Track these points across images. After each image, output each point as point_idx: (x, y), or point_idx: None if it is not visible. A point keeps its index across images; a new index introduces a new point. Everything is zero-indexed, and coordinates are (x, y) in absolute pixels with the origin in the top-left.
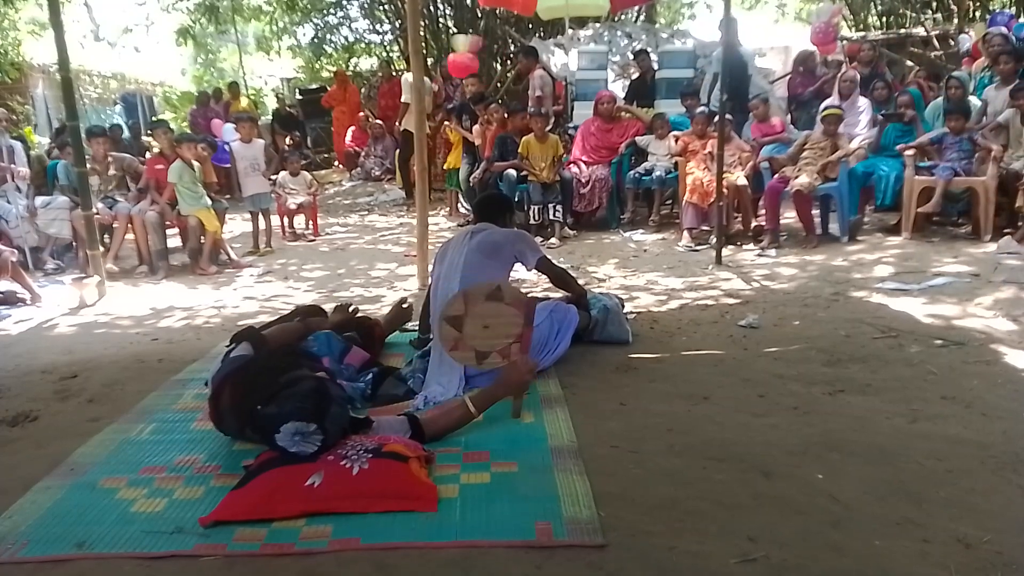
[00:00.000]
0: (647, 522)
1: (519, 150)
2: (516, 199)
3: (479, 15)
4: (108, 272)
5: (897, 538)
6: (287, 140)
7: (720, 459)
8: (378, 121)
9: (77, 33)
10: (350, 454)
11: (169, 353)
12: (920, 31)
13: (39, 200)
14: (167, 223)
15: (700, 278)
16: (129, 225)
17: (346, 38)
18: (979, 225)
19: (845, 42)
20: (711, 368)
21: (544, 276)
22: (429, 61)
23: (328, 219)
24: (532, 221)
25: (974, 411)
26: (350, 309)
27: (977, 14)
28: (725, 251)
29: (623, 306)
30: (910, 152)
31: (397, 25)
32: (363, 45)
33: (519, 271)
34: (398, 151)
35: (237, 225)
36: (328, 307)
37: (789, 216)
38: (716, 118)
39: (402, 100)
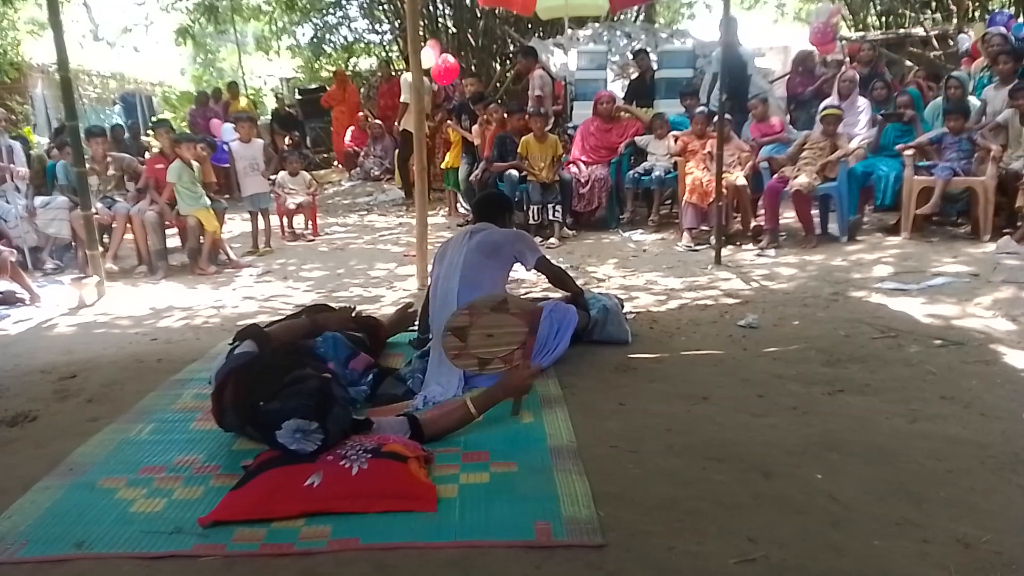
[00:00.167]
0: (646, 522)
1: (518, 150)
2: (516, 199)
3: (478, 15)
4: (107, 272)
5: (897, 538)
6: (286, 140)
7: (719, 459)
8: (377, 121)
9: (76, 33)
10: (349, 454)
11: (168, 353)
12: (919, 31)
13: (38, 200)
14: (166, 223)
15: (699, 278)
16: (128, 225)
17: (345, 38)
18: (978, 225)
19: (845, 42)
20: (710, 368)
21: (543, 276)
22: None
23: (327, 219)
24: (531, 221)
25: (973, 411)
26: (353, 313)
27: (976, 14)
28: (724, 251)
29: (622, 306)
30: (909, 152)
31: (396, 25)
32: (362, 45)
33: (518, 271)
34: (397, 151)
35: (236, 225)
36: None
37: (788, 216)
38: (715, 118)
39: (401, 100)
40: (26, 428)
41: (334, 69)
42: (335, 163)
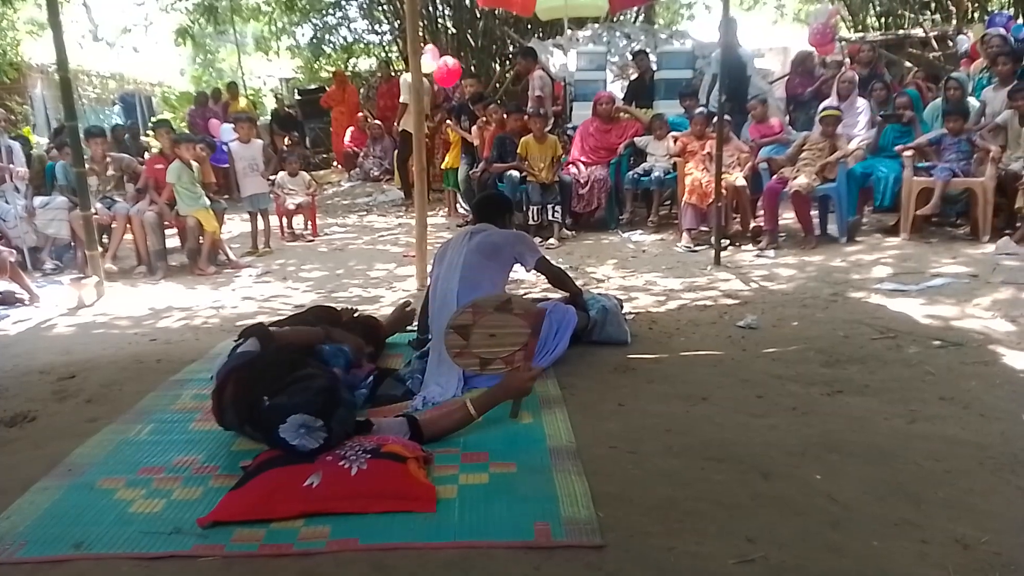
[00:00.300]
0: (646, 523)
1: (518, 151)
2: (516, 199)
3: (478, 15)
4: (106, 272)
5: (896, 539)
6: (285, 140)
7: (719, 460)
8: (377, 121)
9: (76, 33)
10: (348, 455)
11: (167, 353)
12: (919, 32)
13: (37, 200)
14: (166, 223)
15: (699, 279)
16: (128, 225)
17: (345, 38)
18: (977, 226)
19: (844, 43)
20: (710, 369)
21: (543, 277)
22: None
23: (327, 219)
24: (531, 222)
25: (972, 412)
26: (355, 314)
27: (975, 15)
28: (724, 252)
29: (622, 307)
30: (908, 153)
31: (396, 25)
32: (362, 45)
33: (518, 272)
34: (396, 151)
35: (236, 225)
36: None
37: (788, 217)
38: (715, 119)
39: (400, 100)
40: (25, 428)
41: (333, 70)
42: (334, 163)
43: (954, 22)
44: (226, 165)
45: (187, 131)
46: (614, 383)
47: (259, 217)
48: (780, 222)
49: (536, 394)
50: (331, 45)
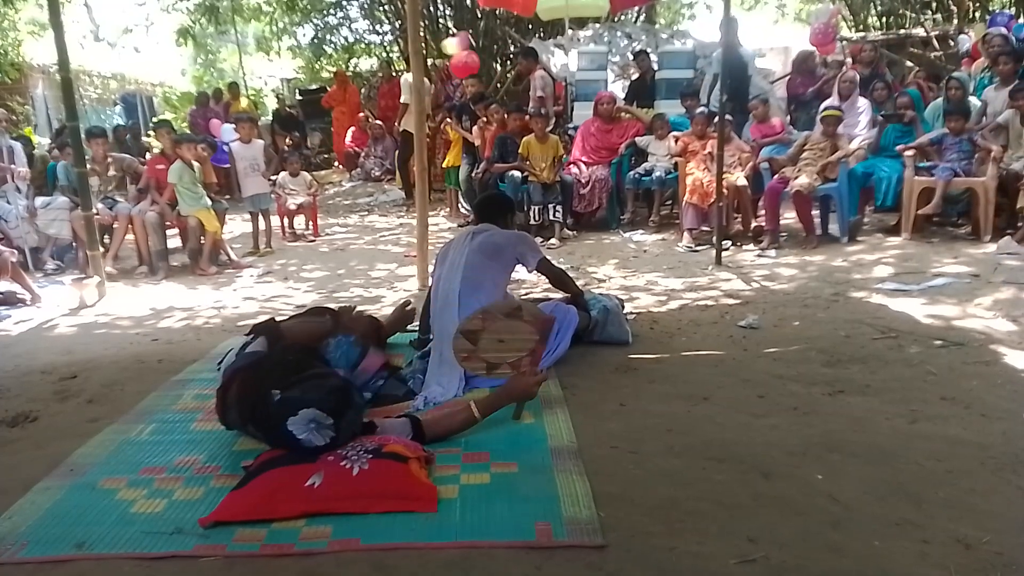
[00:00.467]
0: (647, 523)
1: (519, 151)
2: (518, 199)
3: (479, 15)
4: (108, 273)
5: (897, 539)
6: (287, 140)
7: (720, 460)
8: (378, 121)
9: (77, 33)
10: (350, 455)
11: (169, 353)
12: (920, 32)
13: (39, 200)
14: (167, 223)
15: (700, 279)
16: (129, 225)
17: (346, 38)
18: (979, 226)
19: (845, 43)
20: (711, 369)
21: (544, 277)
22: (429, 61)
23: (328, 219)
24: (532, 221)
25: (973, 412)
26: (354, 312)
27: (977, 15)
28: (725, 252)
29: (623, 307)
30: (910, 153)
31: (397, 25)
32: (363, 45)
33: (519, 271)
34: (397, 151)
35: (237, 225)
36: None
37: (789, 217)
38: (716, 119)
39: (401, 101)
40: (26, 429)
41: (335, 70)
42: (336, 163)
43: (955, 21)
44: (227, 165)
45: (188, 131)
46: (615, 383)
47: (260, 217)
48: (781, 222)
49: (537, 394)
50: (332, 45)
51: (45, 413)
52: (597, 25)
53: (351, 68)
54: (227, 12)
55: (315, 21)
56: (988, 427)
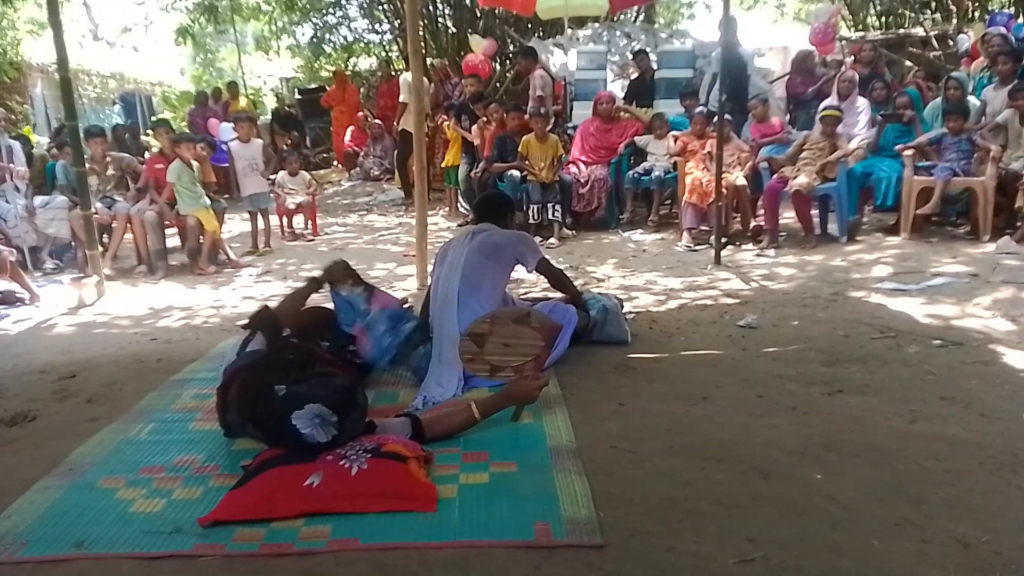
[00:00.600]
0: (646, 522)
1: (519, 149)
2: (517, 199)
3: (478, 15)
4: (106, 272)
5: (896, 538)
6: (286, 140)
7: (719, 459)
8: (377, 121)
9: (76, 33)
10: (349, 454)
11: (168, 353)
12: (919, 31)
13: (38, 200)
14: (166, 223)
15: (699, 278)
16: (128, 225)
17: (345, 38)
18: (978, 225)
19: (845, 42)
20: (710, 368)
21: (543, 277)
22: (428, 61)
23: (327, 219)
24: (531, 221)
25: (972, 411)
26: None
27: (976, 14)
28: (724, 251)
29: (622, 306)
30: (909, 152)
31: (396, 25)
32: (362, 45)
33: (518, 271)
34: (396, 151)
35: (236, 225)
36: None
37: (788, 216)
38: (715, 118)
39: (400, 100)
40: (25, 428)
41: (334, 69)
42: (335, 163)
43: (954, 21)
44: (226, 164)
45: (187, 131)
46: (614, 383)
47: (259, 217)
48: (780, 221)
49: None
50: (331, 44)
51: (44, 412)
52: (596, 25)
53: (350, 67)
54: (226, 11)
55: (314, 20)
56: (987, 427)
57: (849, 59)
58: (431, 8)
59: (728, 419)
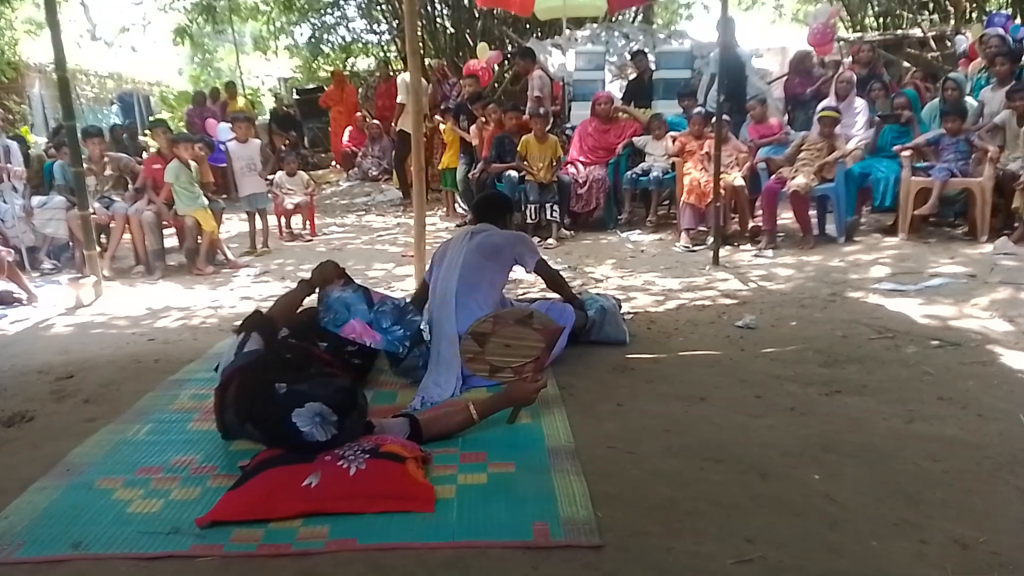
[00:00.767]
0: (644, 523)
1: (518, 148)
2: (515, 199)
3: (476, 15)
4: (104, 273)
5: (894, 539)
6: (284, 140)
7: (717, 460)
8: (375, 121)
9: (74, 32)
10: (347, 455)
11: (165, 353)
12: (917, 32)
13: (35, 200)
14: (164, 223)
15: (697, 279)
16: (126, 225)
17: (343, 38)
18: (975, 226)
19: (842, 43)
20: (708, 369)
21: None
22: (426, 61)
23: (325, 219)
24: (529, 220)
25: (970, 412)
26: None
27: (974, 15)
28: (722, 252)
29: (620, 307)
30: (907, 153)
31: (394, 25)
32: (360, 45)
33: (516, 272)
34: (395, 151)
35: (234, 225)
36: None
37: (786, 217)
38: (713, 119)
39: (398, 101)
40: (23, 428)
41: (332, 69)
42: (333, 163)
43: (952, 22)
44: (224, 165)
45: (185, 131)
46: (613, 383)
47: (257, 217)
48: (778, 222)
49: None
50: (329, 45)
51: (42, 413)
52: (595, 25)
53: (348, 68)
54: (224, 11)
55: (312, 20)
56: (985, 427)
57: (847, 60)
58: (429, 8)
59: (726, 420)
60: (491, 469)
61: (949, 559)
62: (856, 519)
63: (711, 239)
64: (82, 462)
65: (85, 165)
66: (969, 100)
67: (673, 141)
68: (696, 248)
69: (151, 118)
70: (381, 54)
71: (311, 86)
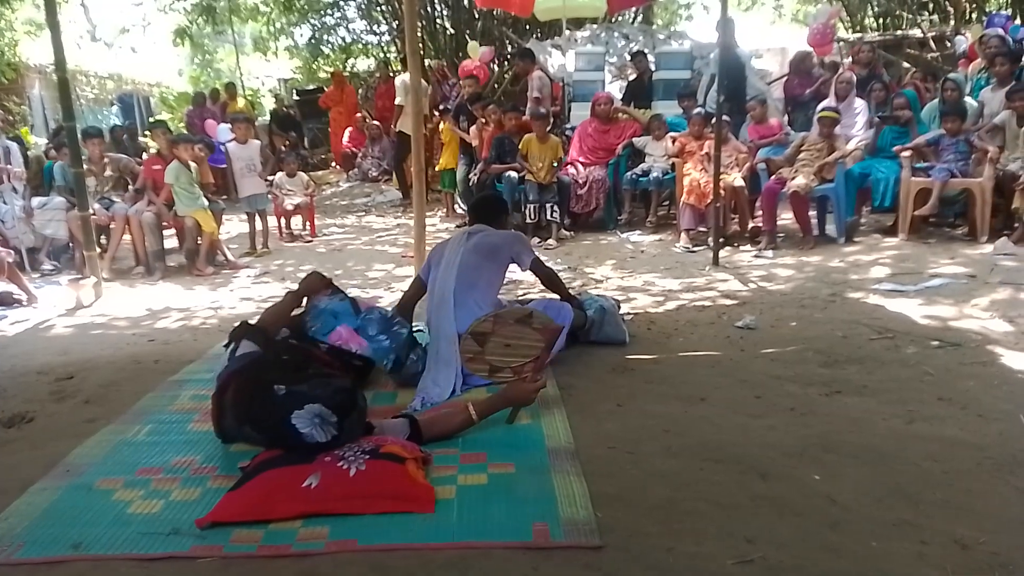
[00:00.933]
0: (644, 523)
1: (519, 147)
2: (515, 199)
3: (476, 16)
4: (104, 274)
5: (894, 539)
6: (284, 141)
7: (717, 460)
8: (375, 122)
9: (74, 33)
10: (347, 455)
11: (165, 354)
12: (916, 33)
13: (35, 201)
14: (164, 224)
15: (697, 279)
16: (126, 226)
17: (343, 39)
18: (975, 226)
19: (842, 43)
20: (708, 369)
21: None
22: (426, 62)
23: (325, 220)
24: (528, 221)
25: (970, 412)
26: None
27: (973, 16)
28: (722, 252)
29: (619, 307)
30: (907, 154)
31: (394, 26)
32: (360, 46)
33: (515, 272)
34: (394, 152)
35: (234, 226)
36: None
37: (786, 217)
38: (713, 119)
39: (396, 102)
40: (23, 429)
41: (332, 70)
42: (333, 164)
43: (952, 23)
44: (224, 166)
45: (185, 132)
46: (612, 383)
47: (257, 218)
48: (778, 222)
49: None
50: (329, 46)
51: (42, 413)
52: (594, 26)
53: (348, 68)
54: (224, 12)
55: (312, 21)
56: (985, 428)
57: (847, 60)
58: (429, 9)
59: (726, 420)
60: (491, 470)
61: (949, 559)
62: (856, 519)
63: (711, 240)
64: (82, 463)
65: (85, 166)
66: (969, 100)
67: (673, 142)
68: (696, 249)
69: (151, 119)
70: (381, 55)
71: (311, 87)
